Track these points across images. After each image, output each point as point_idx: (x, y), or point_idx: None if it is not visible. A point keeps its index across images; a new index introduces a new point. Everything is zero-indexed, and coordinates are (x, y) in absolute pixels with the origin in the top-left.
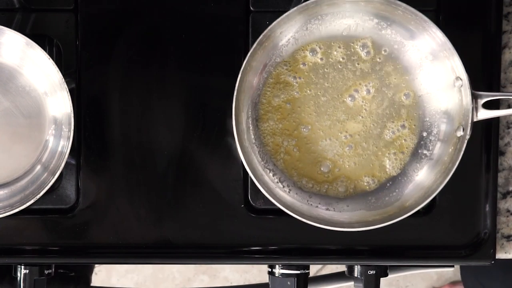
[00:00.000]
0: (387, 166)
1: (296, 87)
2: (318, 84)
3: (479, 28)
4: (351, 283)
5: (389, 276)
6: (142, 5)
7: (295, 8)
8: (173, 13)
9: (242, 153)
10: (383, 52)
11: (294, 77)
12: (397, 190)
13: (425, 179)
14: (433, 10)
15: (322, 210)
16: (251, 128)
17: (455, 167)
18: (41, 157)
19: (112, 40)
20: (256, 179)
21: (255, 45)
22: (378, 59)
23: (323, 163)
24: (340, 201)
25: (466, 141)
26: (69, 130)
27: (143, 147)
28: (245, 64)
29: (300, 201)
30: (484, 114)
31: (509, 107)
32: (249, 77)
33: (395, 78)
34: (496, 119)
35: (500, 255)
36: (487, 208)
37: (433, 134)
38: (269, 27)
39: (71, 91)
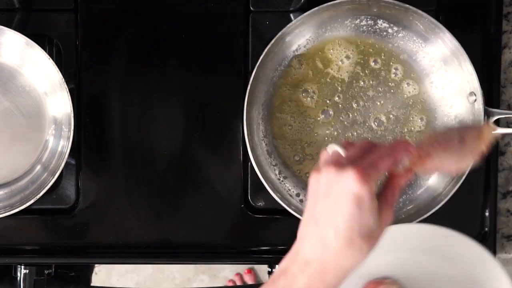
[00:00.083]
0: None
1: (310, 90)
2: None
3: (479, 28)
4: None
5: None
6: (142, 5)
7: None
8: (173, 13)
9: (250, 149)
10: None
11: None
12: (403, 197)
13: (436, 184)
14: (433, 10)
15: None
16: (260, 124)
17: (464, 176)
18: (41, 157)
19: (112, 40)
20: (262, 175)
21: (272, 41)
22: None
23: None
24: None
25: None
26: (69, 130)
27: (143, 147)
28: (261, 60)
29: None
30: None
31: None
32: (264, 73)
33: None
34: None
35: (500, 255)
36: (487, 208)
37: None
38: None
39: (71, 91)
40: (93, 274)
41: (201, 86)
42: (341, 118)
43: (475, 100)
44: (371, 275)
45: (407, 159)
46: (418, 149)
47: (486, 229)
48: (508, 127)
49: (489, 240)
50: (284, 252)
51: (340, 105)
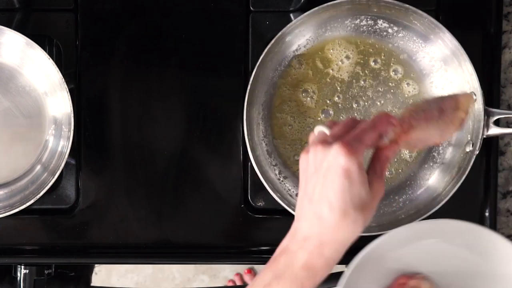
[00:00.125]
0: (393, 171)
1: (310, 89)
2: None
3: (479, 28)
4: None
5: None
6: (142, 5)
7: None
8: (173, 13)
9: (250, 149)
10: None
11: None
12: (403, 197)
13: (436, 184)
14: (433, 10)
15: None
16: (260, 124)
17: (464, 176)
18: (41, 157)
19: (112, 40)
20: (262, 175)
21: (272, 41)
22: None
23: None
24: None
25: (474, 156)
26: (69, 130)
27: (143, 147)
28: (261, 60)
29: None
30: (494, 130)
31: None
32: (264, 73)
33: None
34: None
35: None
36: (487, 208)
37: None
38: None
39: (71, 91)
40: (93, 274)
41: (201, 86)
42: (341, 118)
43: (475, 100)
44: (402, 271)
45: (392, 132)
46: (401, 121)
47: None
48: (508, 127)
49: None
50: None
51: (340, 105)
